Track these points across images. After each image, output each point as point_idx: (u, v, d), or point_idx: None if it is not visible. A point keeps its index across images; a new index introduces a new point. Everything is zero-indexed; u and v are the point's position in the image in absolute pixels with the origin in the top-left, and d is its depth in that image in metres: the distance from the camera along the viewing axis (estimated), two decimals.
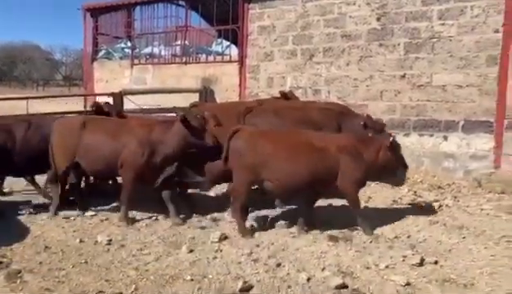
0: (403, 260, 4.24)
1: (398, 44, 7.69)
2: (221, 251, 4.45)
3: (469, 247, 4.62)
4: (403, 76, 7.69)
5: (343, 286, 3.71)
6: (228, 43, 10.50)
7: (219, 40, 10.88)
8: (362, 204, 6.03)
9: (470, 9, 7.01)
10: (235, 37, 9.79)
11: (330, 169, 4.84)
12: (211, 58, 10.37)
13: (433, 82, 7.43)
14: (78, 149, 5.37)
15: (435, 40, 7.34)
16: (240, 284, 3.64)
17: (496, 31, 6.82)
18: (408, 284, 3.74)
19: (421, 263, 4.17)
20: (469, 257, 4.35)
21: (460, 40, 7.13)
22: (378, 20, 7.84)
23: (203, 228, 5.12)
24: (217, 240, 4.66)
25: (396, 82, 7.76)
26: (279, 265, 4.14)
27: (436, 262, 4.21)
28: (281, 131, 5.41)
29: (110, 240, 4.69)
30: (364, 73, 8.09)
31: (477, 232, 5.06)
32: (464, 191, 6.78)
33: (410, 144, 7.62)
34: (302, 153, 4.86)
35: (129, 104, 8.98)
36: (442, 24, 7.25)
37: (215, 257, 4.29)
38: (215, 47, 10.86)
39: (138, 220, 5.38)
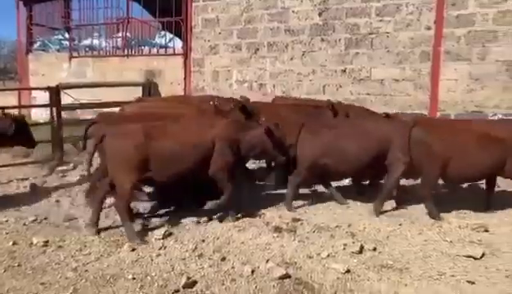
0: (344, 249, 4.38)
1: (339, 39, 7.91)
2: (165, 248, 4.37)
3: (404, 234, 4.86)
4: (344, 70, 7.93)
5: (287, 276, 3.78)
6: (172, 36, 10.30)
7: (162, 32, 10.65)
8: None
9: (405, 6, 7.35)
10: (179, 30, 9.62)
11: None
12: (154, 51, 10.12)
13: (372, 76, 7.73)
14: None
15: (374, 36, 7.62)
16: (183, 280, 3.60)
17: (429, 28, 7.21)
18: (348, 271, 3.88)
19: (361, 250, 4.33)
20: (405, 243, 4.59)
21: (396, 36, 7.46)
22: (320, 15, 8.01)
23: (146, 225, 5.01)
24: (160, 237, 4.57)
25: (337, 77, 7.99)
26: (224, 259, 4.14)
27: (374, 249, 4.39)
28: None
29: (47, 241, 4.46)
30: (307, 67, 8.25)
31: (412, 219, 5.34)
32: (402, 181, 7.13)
33: None
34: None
35: (67, 99, 8.58)
36: (380, 21, 7.55)
37: (159, 255, 4.21)
38: (158, 40, 10.62)
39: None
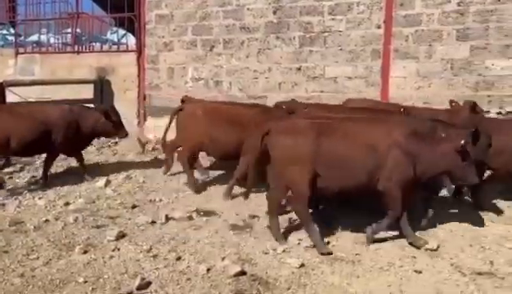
0: (299, 244, 4.46)
1: (294, 37, 8.00)
2: (118, 249, 4.27)
3: (358, 226, 5.01)
4: (299, 68, 8.03)
5: (242, 273, 3.80)
6: (124, 32, 10.03)
7: (114, 28, 10.35)
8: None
9: (357, 5, 7.53)
10: (132, 26, 9.39)
11: None
12: (106, 47, 9.82)
13: (326, 74, 7.88)
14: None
15: (327, 34, 7.77)
16: (137, 281, 3.54)
17: (379, 27, 7.44)
18: (302, 265, 3.95)
19: (314, 245, 4.42)
20: (358, 235, 4.72)
21: (348, 34, 7.64)
22: (274, 13, 8.07)
23: (98, 227, 4.87)
24: (113, 238, 4.46)
25: (293, 74, 8.09)
26: (179, 258, 4.10)
27: (328, 242, 4.50)
28: None
29: None
30: (263, 65, 8.29)
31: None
32: None
33: None
34: None
35: (13, 97, 8.17)
36: (333, 19, 7.70)
37: (112, 257, 4.11)
38: (110, 36, 10.32)
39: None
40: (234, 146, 5.78)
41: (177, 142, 6.53)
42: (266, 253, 4.25)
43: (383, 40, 7.43)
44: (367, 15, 7.49)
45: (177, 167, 6.72)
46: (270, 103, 8.20)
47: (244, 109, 6.25)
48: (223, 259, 4.07)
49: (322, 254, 4.16)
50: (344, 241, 4.55)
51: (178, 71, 8.96)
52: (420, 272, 3.88)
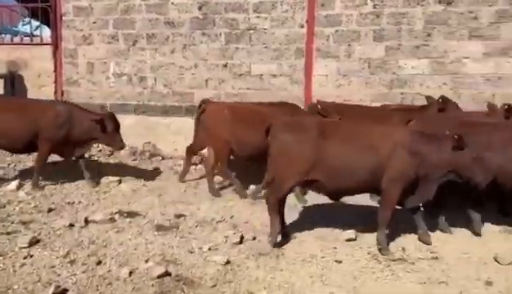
0: (225, 241, 4.47)
1: (220, 34, 7.96)
2: (31, 256, 3.98)
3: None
4: (225, 65, 8.02)
5: (167, 274, 3.72)
6: (38, 24, 9.34)
7: (27, 19, 9.59)
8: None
9: (280, 4, 7.67)
10: (47, 17, 8.77)
11: None
12: (17, 39, 9.08)
13: (252, 71, 7.94)
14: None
15: (252, 32, 7.83)
16: (51, 290, 3.32)
17: (302, 26, 7.64)
18: (228, 262, 3.96)
19: (241, 241, 4.46)
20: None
21: (273, 33, 7.76)
22: (199, 9, 7.97)
23: (9, 233, 4.50)
24: (26, 245, 4.14)
25: (219, 71, 8.05)
26: (99, 262, 3.92)
27: (254, 238, 4.55)
28: None
29: None
30: (189, 61, 8.16)
31: (291, 204, 5.64)
32: None
33: None
34: None
35: None
36: (258, 17, 7.77)
37: (23, 265, 3.82)
38: (22, 27, 9.55)
39: None
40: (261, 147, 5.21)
41: (198, 145, 6.45)
42: (191, 252, 4.20)
43: (306, 39, 7.65)
44: (291, 14, 7.66)
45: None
46: (196, 100, 8.15)
47: (271, 107, 6.25)
48: (147, 261, 3.96)
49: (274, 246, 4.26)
50: (267, 235, 4.62)
51: (99, 66, 8.53)
52: (341, 262, 4.06)
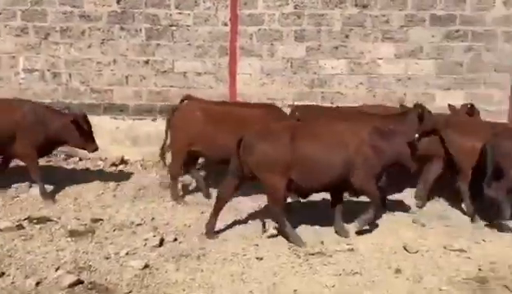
0: (145, 244, 4.32)
1: (140, 29, 7.67)
2: None
3: (205, 220, 5.05)
4: (147, 62, 7.75)
5: (78, 282, 3.51)
6: None
7: None
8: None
9: (203, 1, 7.56)
10: None
11: None
12: None
13: (176, 68, 7.75)
14: None
15: (174, 28, 7.64)
16: None
17: (225, 24, 7.60)
18: (147, 266, 3.83)
19: (161, 243, 4.33)
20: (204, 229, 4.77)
21: (196, 30, 7.63)
22: (118, 2, 7.61)
23: None
24: None
25: (140, 68, 7.76)
26: (2, 274, 3.60)
27: (175, 240, 4.45)
28: None
29: None
30: (107, 56, 7.77)
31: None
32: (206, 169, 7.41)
33: (157, 128, 7.79)
34: None
35: None
36: (180, 14, 7.60)
37: None
38: None
39: None
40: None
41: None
42: (107, 258, 4.00)
43: (229, 37, 7.62)
44: (213, 11, 7.58)
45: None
46: (116, 97, 7.82)
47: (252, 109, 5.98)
48: (57, 269, 3.72)
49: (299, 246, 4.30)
50: (191, 237, 4.55)
51: (6, 61, 7.83)
52: (262, 259, 4.09)
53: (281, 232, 4.50)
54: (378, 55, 7.59)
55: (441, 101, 7.58)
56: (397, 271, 3.88)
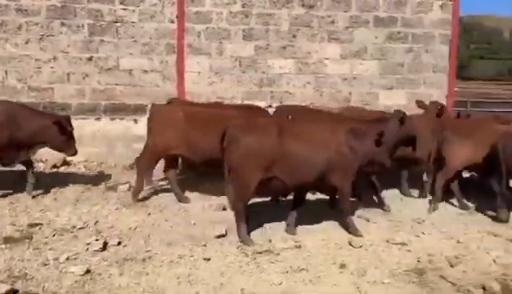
0: (87, 249, 4.13)
1: (82, 25, 7.37)
2: None
3: (152, 223, 4.93)
4: (90, 58, 7.46)
5: (12, 291, 3.29)
6: None
7: None
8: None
9: None
10: None
11: None
12: None
13: (121, 66, 7.53)
14: None
15: (119, 24, 7.41)
16: None
17: (172, 21, 7.47)
18: (88, 271, 3.66)
19: (104, 247, 4.17)
20: (152, 231, 4.65)
21: (142, 26, 7.44)
22: None
23: None
24: None
25: (82, 65, 7.46)
26: None
27: (119, 243, 4.29)
28: None
29: None
30: (47, 53, 7.40)
31: (161, 207, 5.47)
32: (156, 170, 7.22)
33: (101, 128, 7.55)
34: None
35: None
36: (124, 9, 7.38)
37: None
38: None
39: None
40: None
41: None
42: (45, 265, 3.79)
43: (176, 35, 7.50)
44: (160, 8, 7.43)
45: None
46: (57, 96, 7.47)
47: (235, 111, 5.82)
48: None
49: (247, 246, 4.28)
50: (137, 239, 4.42)
51: None
52: (209, 259, 4.03)
53: (237, 228, 4.45)
54: (324, 55, 7.76)
55: (384, 100, 7.90)
56: (342, 266, 3.97)
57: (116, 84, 7.56)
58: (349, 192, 4.73)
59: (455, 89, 8.89)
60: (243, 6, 7.54)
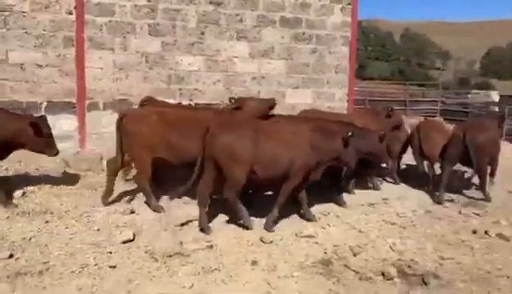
0: None
1: None
2: None
3: (50, 231, 4.53)
4: None
5: None
6: None
7: None
8: None
9: None
10: None
11: None
12: None
13: (10, 59, 6.82)
14: None
15: (7, 14, 6.70)
16: None
17: (70, 13, 6.94)
18: None
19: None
20: (52, 240, 4.27)
21: (34, 17, 6.81)
22: None
23: None
24: None
25: None
26: None
27: (11, 256, 3.87)
28: None
29: None
30: None
31: (61, 213, 5.05)
32: (54, 173, 6.67)
33: None
34: None
35: None
36: None
37: None
38: None
39: None
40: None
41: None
42: None
43: (75, 27, 6.98)
44: None
45: None
46: None
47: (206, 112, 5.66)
48: None
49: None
50: (32, 251, 4.02)
51: None
52: (115, 267, 3.80)
53: (237, 214, 4.72)
54: (233, 53, 7.79)
55: (290, 99, 8.17)
56: (254, 263, 3.99)
57: (5, 79, 6.83)
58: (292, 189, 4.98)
59: (356, 88, 9.50)
60: (148, 1, 7.27)
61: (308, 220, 5.13)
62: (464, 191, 6.74)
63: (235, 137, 4.60)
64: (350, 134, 5.07)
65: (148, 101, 6.13)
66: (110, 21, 7.15)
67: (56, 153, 5.58)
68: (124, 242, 4.30)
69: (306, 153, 4.87)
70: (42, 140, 5.32)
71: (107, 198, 5.40)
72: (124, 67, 7.32)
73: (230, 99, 6.02)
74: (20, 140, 5.24)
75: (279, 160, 4.72)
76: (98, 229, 4.63)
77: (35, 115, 5.52)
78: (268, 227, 4.80)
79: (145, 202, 5.37)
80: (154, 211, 5.21)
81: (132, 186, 6.22)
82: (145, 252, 4.13)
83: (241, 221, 4.82)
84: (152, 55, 7.41)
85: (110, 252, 4.08)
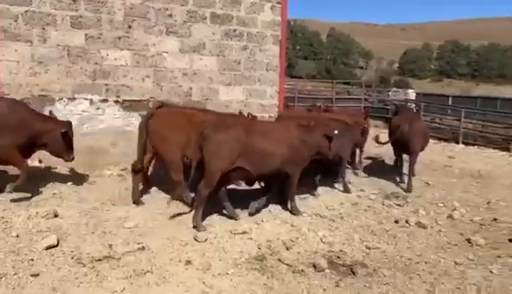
0: None
1: None
2: None
3: None
4: None
5: None
6: None
7: None
8: None
9: None
10: None
11: None
12: None
13: None
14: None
15: None
16: None
17: None
18: None
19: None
20: None
21: None
22: None
23: None
24: None
25: None
26: None
27: None
28: None
29: None
30: None
31: None
32: None
33: None
34: None
35: None
36: None
37: None
38: None
39: None
40: None
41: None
42: None
43: None
44: None
45: None
46: None
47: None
48: None
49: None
50: None
51: None
52: (38, 275, 3.55)
53: (194, 213, 4.76)
54: (163, 48, 7.58)
55: (223, 96, 8.14)
56: (188, 263, 3.93)
57: None
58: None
59: (285, 86, 9.70)
60: None
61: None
62: (386, 182, 7.19)
63: (222, 136, 4.81)
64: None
65: (163, 106, 5.88)
66: (26, 11, 6.62)
67: (73, 158, 5.76)
68: (47, 248, 4.02)
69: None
70: (65, 144, 5.56)
71: (137, 198, 5.53)
72: (44, 60, 6.82)
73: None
74: (48, 143, 5.48)
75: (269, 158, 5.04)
76: (17, 235, 4.30)
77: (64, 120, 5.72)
78: (297, 213, 5.36)
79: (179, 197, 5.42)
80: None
81: (56, 186, 5.87)
82: (72, 258, 3.91)
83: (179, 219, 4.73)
84: (75, 49, 6.98)
85: (32, 259, 3.81)
